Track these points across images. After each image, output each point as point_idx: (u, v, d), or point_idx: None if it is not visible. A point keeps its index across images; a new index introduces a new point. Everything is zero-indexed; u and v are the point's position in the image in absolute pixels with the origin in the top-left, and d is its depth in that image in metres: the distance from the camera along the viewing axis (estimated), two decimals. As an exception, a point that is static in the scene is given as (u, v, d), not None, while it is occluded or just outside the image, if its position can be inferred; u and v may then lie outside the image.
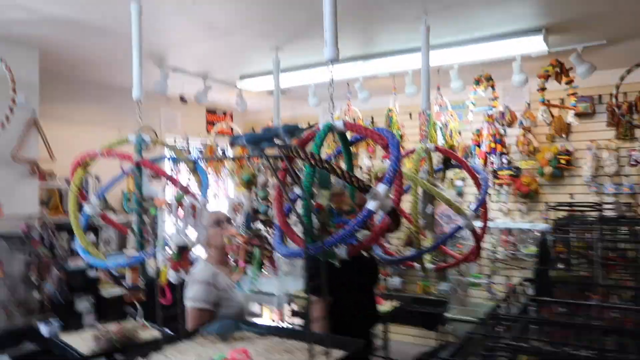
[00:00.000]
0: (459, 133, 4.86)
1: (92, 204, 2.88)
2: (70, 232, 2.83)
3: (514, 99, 4.86)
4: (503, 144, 4.53)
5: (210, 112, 6.58)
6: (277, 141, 1.79)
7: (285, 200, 1.81)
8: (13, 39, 3.72)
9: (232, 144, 1.83)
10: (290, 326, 4.33)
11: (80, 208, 2.97)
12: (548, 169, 4.65)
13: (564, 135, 4.70)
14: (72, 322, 3.81)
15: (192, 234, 1.96)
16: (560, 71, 3.83)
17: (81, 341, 2.62)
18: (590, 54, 3.87)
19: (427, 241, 3.07)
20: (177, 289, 2.05)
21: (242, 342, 1.98)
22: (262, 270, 1.70)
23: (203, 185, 2.81)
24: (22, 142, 3.85)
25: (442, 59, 3.97)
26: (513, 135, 4.81)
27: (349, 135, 2.29)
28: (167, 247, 1.91)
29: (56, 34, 3.65)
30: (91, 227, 4.22)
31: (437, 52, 3.78)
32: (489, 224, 3.83)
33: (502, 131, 4.54)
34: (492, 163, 4.53)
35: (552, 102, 4.28)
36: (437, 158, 4.40)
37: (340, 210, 1.98)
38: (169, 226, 1.89)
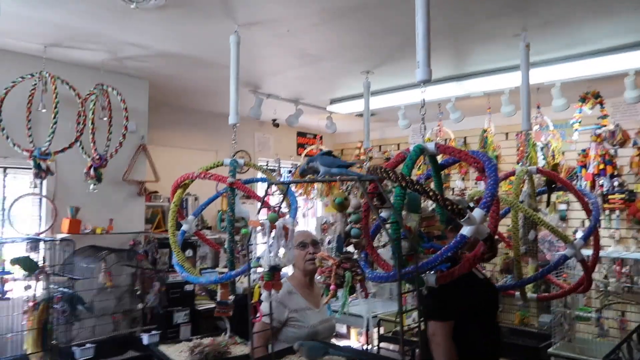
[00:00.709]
0: (562, 154, 4.53)
1: (188, 222, 3.06)
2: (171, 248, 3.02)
3: (626, 116, 4.44)
4: (614, 166, 4.13)
5: (301, 135, 6.75)
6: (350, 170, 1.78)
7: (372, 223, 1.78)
8: (127, 72, 4.10)
9: (303, 174, 1.84)
10: (376, 350, 4.22)
11: (178, 226, 3.16)
12: (668, 193, 4.16)
13: (687, 156, 4.19)
14: (170, 333, 4.03)
15: (282, 254, 1.99)
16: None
17: (177, 353, 2.75)
18: None
19: (528, 269, 2.86)
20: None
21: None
22: (353, 294, 1.67)
23: (292, 207, 2.87)
24: (132, 165, 4.21)
25: (542, 76, 3.75)
26: (625, 155, 4.38)
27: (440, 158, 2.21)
28: (259, 267, 1.95)
29: (164, 67, 3.98)
30: (189, 244, 4.47)
31: (537, 70, 3.57)
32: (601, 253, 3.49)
33: (612, 151, 4.15)
34: (601, 186, 4.15)
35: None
36: (537, 180, 4.13)
37: (431, 235, 1.91)
38: (262, 246, 1.93)
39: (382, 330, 4.30)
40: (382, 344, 4.30)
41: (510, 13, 2.90)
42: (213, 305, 3.32)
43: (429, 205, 2.38)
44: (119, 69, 4.01)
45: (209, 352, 2.55)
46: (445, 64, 3.83)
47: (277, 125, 5.87)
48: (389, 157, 6.17)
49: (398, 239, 1.76)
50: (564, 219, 4.70)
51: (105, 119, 3.69)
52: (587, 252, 2.76)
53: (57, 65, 3.63)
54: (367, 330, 4.24)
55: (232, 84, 2.94)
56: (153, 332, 3.69)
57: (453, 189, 5.54)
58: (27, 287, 3.02)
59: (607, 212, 4.37)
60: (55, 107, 3.25)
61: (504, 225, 2.93)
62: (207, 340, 2.73)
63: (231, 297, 2.74)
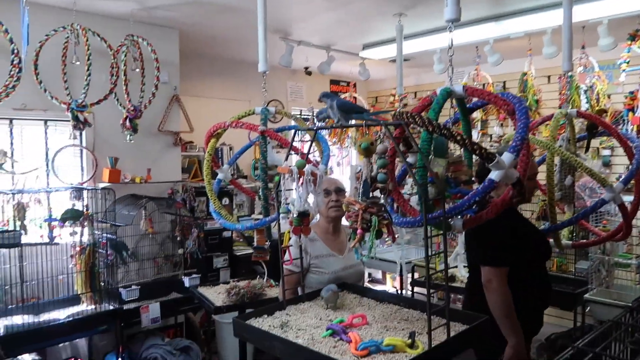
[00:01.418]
0: (608, 97, 4.29)
1: (223, 171, 3.12)
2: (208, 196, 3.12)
3: (681, 54, 4.13)
4: (664, 108, 3.90)
5: (334, 82, 6.65)
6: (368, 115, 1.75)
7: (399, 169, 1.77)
8: (156, 22, 4.09)
9: (320, 100, 1.82)
10: (410, 294, 4.30)
11: (214, 175, 3.23)
12: None
13: None
14: (211, 276, 4.22)
15: (311, 200, 2.01)
16: None
17: (216, 294, 2.89)
18: None
19: (565, 215, 2.80)
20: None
21: (360, 307, 2.01)
22: (380, 238, 1.68)
23: (324, 153, 2.87)
24: (166, 116, 4.28)
25: (588, 13, 3.50)
26: (678, 97, 4.11)
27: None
28: (289, 213, 1.98)
29: (192, 15, 3.94)
30: (226, 193, 4.58)
31: (582, 6, 3.34)
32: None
33: (663, 93, 3.90)
34: (648, 130, 3.93)
35: None
36: (580, 125, 3.95)
37: (458, 180, 1.87)
38: (291, 193, 1.95)
39: (416, 276, 4.35)
40: (416, 289, 4.37)
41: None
42: (250, 251, 3.45)
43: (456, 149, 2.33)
44: (148, 19, 4.00)
45: (245, 293, 2.67)
46: (483, 3, 3.63)
47: (309, 74, 5.79)
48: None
49: (424, 183, 1.74)
50: (607, 165, 4.53)
51: (137, 70, 3.73)
52: (629, 198, 2.66)
53: (88, 18, 3.66)
54: (401, 275, 4.31)
55: (259, 30, 2.88)
56: (194, 275, 3.87)
57: (491, 135, 5.38)
58: (73, 233, 3.19)
59: (653, 157, 4.17)
60: (88, 59, 3.30)
61: (543, 172, 2.84)
62: (243, 283, 2.86)
63: (267, 243, 2.83)
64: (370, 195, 1.67)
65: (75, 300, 3.28)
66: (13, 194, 3.17)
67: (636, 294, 3.14)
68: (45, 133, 3.77)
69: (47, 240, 3.19)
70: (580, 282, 3.38)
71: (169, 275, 4.09)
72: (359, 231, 1.64)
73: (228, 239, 4.50)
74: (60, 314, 3.11)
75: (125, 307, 3.41)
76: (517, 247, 2.13)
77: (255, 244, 2.86)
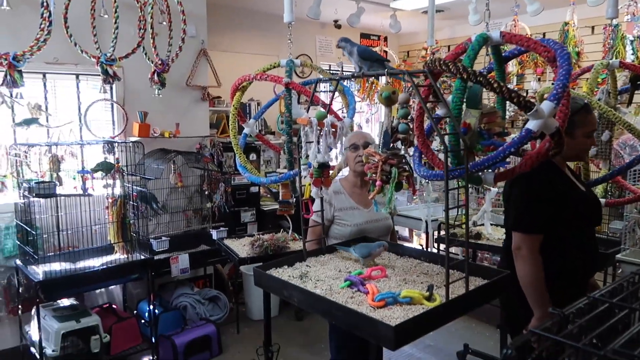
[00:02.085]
0: (657, 48, 4.01)
1: (249, 125, 3.11)
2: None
3: None
4: None
5: (364, 36, 6.46)
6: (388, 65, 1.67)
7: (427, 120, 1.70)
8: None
9: (339, 45, 1.75)
10: (435, 251, 4.29)
11: (240, 129, 3.23)
12: None
13: None
14: (238, 230, 4.30)
15: (333, 152, 1.98)
16: None
17: (241, 246, 2.95)
18: None
19: (600, 173, 2.68)
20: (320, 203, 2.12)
21: (380, 260, 2.01)
22: (400, 190, 1.65)
23: (350, 106, 2.82)
24: (194, 71, 4.27)
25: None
26: None
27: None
28: (310, 167, 1.97)
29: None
30: (253, 149, 4.60)
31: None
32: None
33: None
34: (699, 84, 3.67)
35: None
36: (623, 79, 3.73)
37: (491, 131, 1.80)
38: (312, 145, 1.93)
39: (442, 233, 4.32)
40: (442, 246, 4.34)
41: None
42: (277, 206, 3.49)
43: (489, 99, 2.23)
44: (175, -30, 3.93)
45: (268, 246, 2.71)
46: (524, -55, 3.39)
47: (339, 27, 5.63)
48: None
49: (455, 136, 1.68)
50: (651, 121, 4.28)
51: (164, 23, 3.71)
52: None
53: (114, -31, 3.63)
54: (427, 233, 4.29)
55: (284, -21, 2.79)
56: (221, 228, 3.96)
57: (527, 90, 5.16)
58: (106, 186, 3.29)
59: (703, 113, 3.92)
60: (116, 12, 3.29)
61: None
62: (267, 236, 2.89)
63: (292, 197, 2.84)
64: (391, 146, 1.63)
65: (109, 249, 3.41)
66: (49, 146, 3.27)
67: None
68: (77, 87, 3.83)
69: (80, 191, 3.30)
70: (613, 242, 3.27)
71: (198, 228, 4.19)
72: (378, 183, 1.61)
73: (255, 194, 4.56)
74: (95, 262, 3.25)
75: (156, 257, 3.54)
76: (554, 209, 1.95)
77: (280, 198, 2.88)
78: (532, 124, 1.53)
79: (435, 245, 4.14)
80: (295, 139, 2.68)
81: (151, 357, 3.52)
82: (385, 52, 6.00)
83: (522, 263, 1.93)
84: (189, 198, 4.21)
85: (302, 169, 1.97)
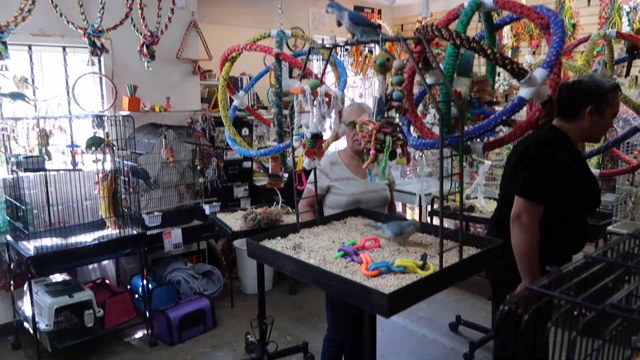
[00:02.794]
0: (653, 19, 3.97)
1: (239, 97, 3.06)
2: (225, 125, 3.10)
3: None
4: None
5: (358, 9, 6.34)
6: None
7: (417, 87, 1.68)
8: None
9: (328, 11, 1.71)
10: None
11: (230, 102, 3.18)
12: None
13: None
14: (232, 205, 4.28)
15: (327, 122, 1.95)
16: None
17: (234, 220, 2.94)
18: None
19: (594, 145, 2.67)
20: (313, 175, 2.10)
21: (374, 231, 2.00)
22: (394, 159, 1.63)
23: (341, 78, 2.77)
24: (184, 43, 4.18)
25: None
26: None
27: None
28: (302, 138, 1.93)
29: None
30: (245, 123, 4.55)
31: None
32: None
33: None
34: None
35: None
36: (618, 52, 3.70)
37: (482, 100, 1.77)
38: (304, 115, 1.89)
39: (435, 207, 4.32)
40: (435, 220, 4.35)
41: None
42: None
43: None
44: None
45: (261, 219, 2.70)
46: None
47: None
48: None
49: (446, 103, 1.66)
50: (645, 94, 4.27)
51: (152, -7, 3.61)
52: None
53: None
54: (420, 207, 4.29)
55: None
56: (214, 203, 3.94)
57: (522, 64, 5.11)
58: (96, 160, 3.24)
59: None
60: (102, -19, 3.20)
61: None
62: (260, 210, 2.88)
63: (282, 170, 2.82)
64: (385, 114, 1.60)
65: (100, 225, 3.39)
66: (36, 120, 3.21)
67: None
68: (65, 60, 3.74)
69: (70, 166, 3.25)
70: (604, 214, 3.30)
71: (190, 203, 4.17)
72: (372, 152, 1.58)
73: (248, 169, 4.52)
74: (87, 238, 3.23)
75: (149, 232, 3.52)
76: (562, 187, 1.92)
77: (270, 171, 2.85)
78: (524, 92, 1.51)
79: (429, 219, 4.15)
80: (285, 112, 2.65)
81: (146, 331, 3.54)
82: (379, 25, 5.89)
83: (520, 231, 1.90)
84: (181, 173, 4.17)
85: (295, 139, 1.93)
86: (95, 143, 3.24)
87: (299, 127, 1.90)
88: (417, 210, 4.23)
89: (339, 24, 1.68)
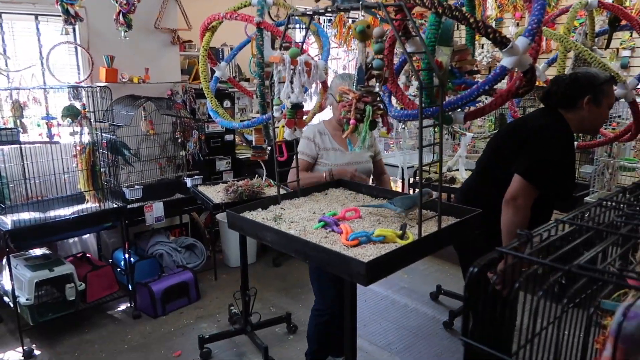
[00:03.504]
0: (635, -9, 3.98)
1: (221, 68, 3.01)
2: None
3: None
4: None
5: (341, -21, 6.22)
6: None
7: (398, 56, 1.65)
8: None
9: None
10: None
11: (212, 74, 3.12)
12: None
13: None
14: (214, 179, 4.25)
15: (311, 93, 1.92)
16: None
17: (215, 193, 2.92)
18: None
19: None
20: (293, 146, 2.09)
21: (355, 203, 2.00)
22: (375, 129, 1.62)
23: (324, 48, 2.73)
24: (162, 12, 4.06)
25: None
26: None
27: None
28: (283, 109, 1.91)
29: None
30: (227, 95, 4.48)
31: None
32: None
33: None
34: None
35: None
36: (600, 24, 3.70)
37: (462, 70, 1.76)
38: (286, 84, 1.86)
39: (417, 178, 4.35)
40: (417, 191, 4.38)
41: None
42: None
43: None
44: None
45: (243, 191, 2.68)
46: None
47: (314, -33, 5.39)
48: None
49: (428, 73, 1.65)
50: (625, 67, 4.31)
51: (128, -42, 3.48)
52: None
53: None
54: (403, 179, 4.31)
55: None
56: (196, 176, 3.90)
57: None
58: (74, 133, 3.17)
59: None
60: (74, -55, 3.07)
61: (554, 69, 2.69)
62: (242, 182, 2.86)
63: (265, 142, 2.79)
64: (365, 83, 1.58)
65: (80, 198, 3.34)
66: (9, 91, 3.11)
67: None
68: (37, 29, 3.61)
69: (46, 139, 3.18)
70: (582, 185, 3.35)
71: (172, 176, 4.13)
72: (352, 121, 1.57)
73: (231, 142, 4.48)
74: (66, 211, 3.18)
75: (130, 206, 3.48)
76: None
77: (253, 143, 2.83)
78: (506, 61, 1.51)
79: (411, 190, 4.18)
80: (267, 82, 2.60)
81: (129, 304, 3.54)
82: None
83: (515, 212, 1.91)
84: (162, 146, 4.11)
85: (275, 109, 1.91)
86: (71, 114, 3.16)
87: (280, 97, 1.88)
88: (399, 182, 4.25)
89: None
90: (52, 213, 3.13)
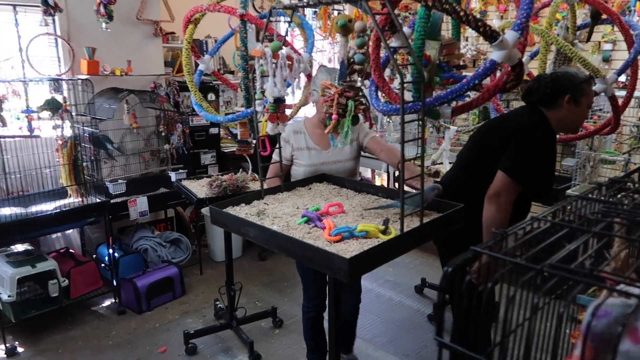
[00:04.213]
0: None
1: (205, 61, 2.97)
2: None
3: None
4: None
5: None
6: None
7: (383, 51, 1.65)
8: None
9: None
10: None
11: (196, 67, 3.09)
12: None
13: None
14: (199, 173, 4.22)
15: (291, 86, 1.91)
16: None
17: (200, 187, 2.90)
18: None
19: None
20: (277, 140, 2.08)
21: (338, 197, 2.00)
22: (357, 124, 1.61)
23: (308, 40, 2.71)
24: (144, 3, 4.00)
25: None
26: (691, -14, 3.83)
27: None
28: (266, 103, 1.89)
29: None
30: (211, 88, 4.44)
31: None
32: (637, 93, 3.22)
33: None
34: (655, 22, 3.71)
35: None
36: (582, 17, 3.72)
37: (451, 64, 1.77)
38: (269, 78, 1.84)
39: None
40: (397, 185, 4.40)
41: None
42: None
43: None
44: None
45: (227, 186, 2.66)
46: None
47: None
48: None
49: (418, 68, 1.64)
50: (607, 60, 4.34)
51: (108, -51, 3.41)
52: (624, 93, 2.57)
53: None
54: (388, 173, 4.33)
55: None
56: (180, 170, 3.87)
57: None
58: (55, 127, 3.12)
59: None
60: None
61: (537, 62, 2.71)
62: (226, 176, 2.84)
63: (251, 136, 2.77)
64: (348, 78, 1.58)
65: (62, 193, 3.29)
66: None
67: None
68: (16, 20, 3.53)
69: (27, 132, 3.12)
70: (564, 178, 3.39)
71: (156, 171, 4.09)
72: (334, 117, 1.57)
73: (215, 136, 4.45)
74: (48, 206, 3.14)
75: (113, 200, 3.44)
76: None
77: (238, 137, 2.80)
78: (496, 55, 1.50)
79: (396, 184, 4.19)
80: (252, 76, 2.58)
81: (113, 300, 3.51)
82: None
83: (497, 209, 1.91)
84: (146, 140, 4.07)
85: (258, 104, 1.89)
86: (52, 106, 3.11)
87: (262, 91, 1.86)
88: (384, 176, 4.26)
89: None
90: (34, 208, 3.08)
